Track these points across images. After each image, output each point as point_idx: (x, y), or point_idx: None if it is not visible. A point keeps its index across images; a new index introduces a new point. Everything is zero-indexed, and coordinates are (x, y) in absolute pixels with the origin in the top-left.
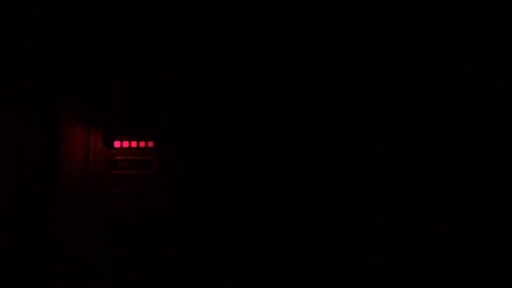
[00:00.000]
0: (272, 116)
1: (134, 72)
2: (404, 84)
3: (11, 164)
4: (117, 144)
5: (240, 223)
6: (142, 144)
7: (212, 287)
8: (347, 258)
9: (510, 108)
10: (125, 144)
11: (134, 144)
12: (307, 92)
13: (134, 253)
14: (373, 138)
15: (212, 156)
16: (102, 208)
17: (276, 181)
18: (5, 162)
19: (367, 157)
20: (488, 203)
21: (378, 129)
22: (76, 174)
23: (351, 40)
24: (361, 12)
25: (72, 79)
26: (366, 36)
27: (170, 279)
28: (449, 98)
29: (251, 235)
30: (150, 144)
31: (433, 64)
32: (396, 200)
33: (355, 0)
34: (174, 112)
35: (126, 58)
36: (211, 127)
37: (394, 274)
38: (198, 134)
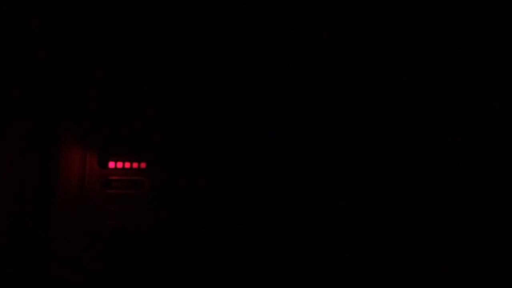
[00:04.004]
0: (261, 132)
1: (129, 96)
2: (403, 85)
3: (11, 181)
4: (111, 164)
5: (232, 242)
6: (135, 165)
7: None
8: (347, 258)
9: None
10: (119, 164)
11: (127, 165)
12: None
13: (126, 268)
14: (373, 138)
15: (203, 176)
16: (96, 225)
17: (270, 201)
18: (6, 180)
19: (367, 157)
20: (488, 203)
21: (378, 129)
22: (72, 192)
23: (351, 40)
24: (361, 12)
25: (71, 102)
26: (366, 36)
27: None
28: (449, 98)
29: (243, 254)
30: (143, 165)
31: (432, 64)
32: (396, 200)
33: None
34: (166, 135)
35: (123, 82)
36: (202, 149)
37: (394, 274)
38: (189, 156)
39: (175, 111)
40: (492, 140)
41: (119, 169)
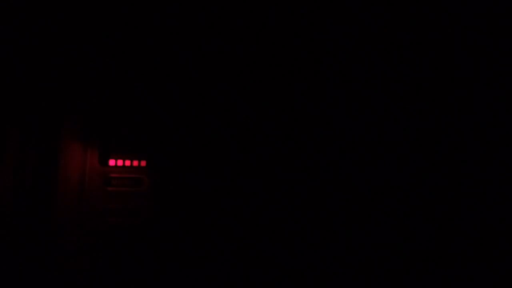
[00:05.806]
0: (261, 133)
1: (129, 95)
2: (403, 85)
3: (12, 177)
4: (112, 162)
5: (232, 239)
6: (135, 163)
7: None
8: (346, 258)
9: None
10: (119, 162)
11: (127, 163)
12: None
13: (125, 263)
14: (373, 138)
15: (203, 174)
16: (96, 222)
17: (269, 199)
18: (6, 175)
19: (367, 158)
20: (488, 203)
21: (378, 129)
22: (73, 190)
23: (351, 40)
24: (361, 13)
25: (72, 100)
26: (366, 37)
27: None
28: (449, 99)
29: (241, 249)
30: (143, 163)
31: (432, 64)
32: (396, 200)
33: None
34: (166, 134)
35: (123, 81)
36: (202, 148)
37: (394, 274)
38: (188, 155)
39: (175, 110)
40: (492, 140)
41: (120, 167)
